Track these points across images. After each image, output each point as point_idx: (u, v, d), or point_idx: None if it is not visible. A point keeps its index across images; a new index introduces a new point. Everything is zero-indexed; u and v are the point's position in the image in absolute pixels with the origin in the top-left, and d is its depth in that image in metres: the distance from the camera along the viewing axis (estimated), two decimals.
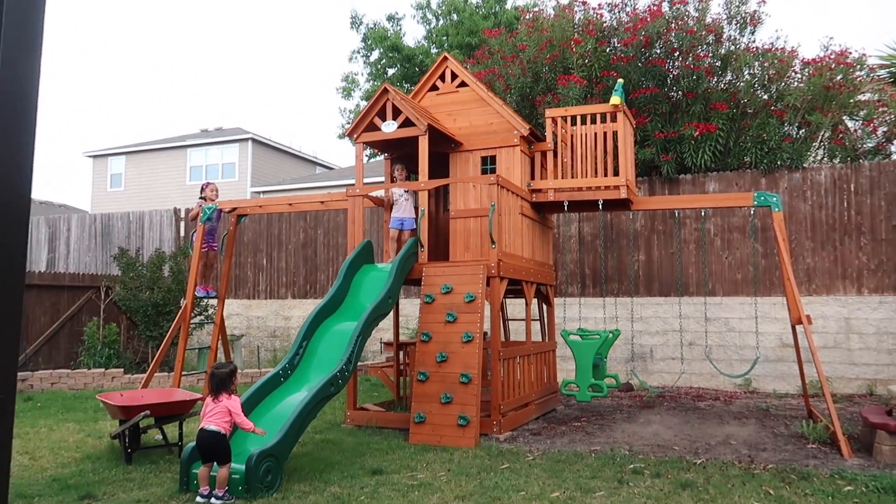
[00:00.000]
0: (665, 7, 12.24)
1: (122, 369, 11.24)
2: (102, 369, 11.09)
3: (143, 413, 5.88)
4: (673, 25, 11.92)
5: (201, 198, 8.96)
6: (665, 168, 11.11)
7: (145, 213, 15.49)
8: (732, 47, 11.99)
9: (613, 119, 8.20)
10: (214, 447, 4.79)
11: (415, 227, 7.99)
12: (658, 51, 12.00)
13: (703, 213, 10.41)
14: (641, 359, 10.92)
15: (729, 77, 12.06)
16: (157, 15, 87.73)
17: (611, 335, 7.69)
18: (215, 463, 4.80)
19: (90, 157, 30.51)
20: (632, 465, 5.64)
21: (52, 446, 6.51)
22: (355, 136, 8.02)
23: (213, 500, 4.69)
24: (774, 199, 7.66)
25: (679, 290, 10.71)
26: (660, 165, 11.27)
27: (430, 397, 6.75)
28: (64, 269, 15.77)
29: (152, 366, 8.02)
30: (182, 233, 14.80)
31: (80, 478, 5.36)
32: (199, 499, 4.73)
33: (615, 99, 8.11)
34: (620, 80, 8.48)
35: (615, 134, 8.23)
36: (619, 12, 12.81)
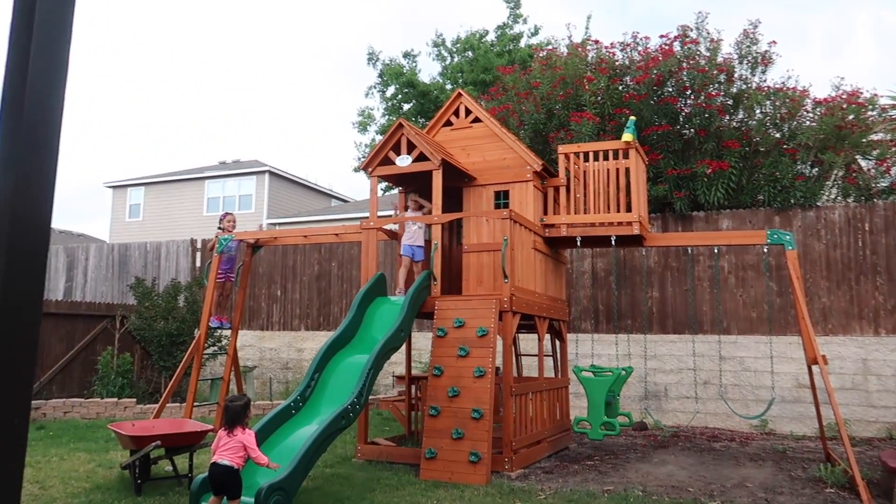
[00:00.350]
0: (676, 46, 12.40)
1: (134, 399, 11.27)
2: (115, 399, 11.12)
3: (153, 443, 5.89)
4: (684, 64, 12.06)
5: (220, 228, 9.05)
6: (678, 205, 11.13)
7: (162, 243, 15.68)
8: (744, 86, 12.09)
9: (626, 156, 8.26)
10: (227, 482, 4.77)
11: (424, 258, 8.05)
12: (670, 89, 12.12)
13: (716, 251, 10.39)
14: (655, 397, 10.80)
15: (741, 115, 12.14)
16: (176, 49, 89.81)
17: (623, 372, 7.63)
18: (225, 497, 4.77)
19: (110, 187, 31.02)
20: None
21: (62, 476, 6.52)
22: (370, 169, 8.13)
23: None
24: (788, 237, 7.64)
25: (693, 328, 10.63)
26: (673, 202, 11.29)
27: (441, 432, 6.70)
28: (81, 297, 15.92)
29: (164, 396, 8.04)
30: (198, 263, 14.94)
31: None
32: None
33: (627, 136, 8.19)
34: (633, 118, 8.57)
35: (628, 170, 8.28)
36: (631, 51, 12.99)
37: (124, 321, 12.76)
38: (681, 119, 12.05)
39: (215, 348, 12.03)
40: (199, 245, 15.20)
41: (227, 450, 4.80)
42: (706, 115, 11.49)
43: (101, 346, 12.46)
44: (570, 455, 8.12)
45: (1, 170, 1.76)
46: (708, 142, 11.42)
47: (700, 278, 10.90)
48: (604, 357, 10.84)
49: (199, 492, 5.03)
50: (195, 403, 8.45)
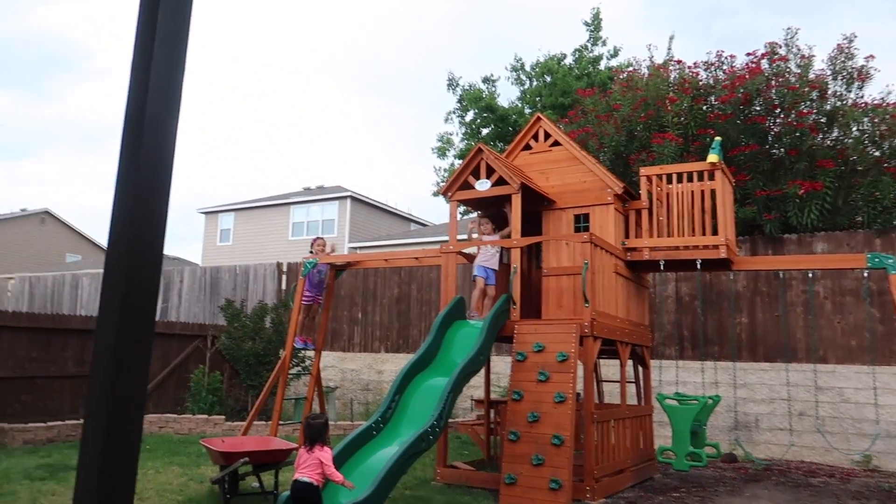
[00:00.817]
0: (764, 64, 12.00)
1: (224, 416, 11.71)
2: (206, 415, 11.59)
3: (242, 460, 6.11)
4: (773, 82, 11.64)
5: (311, 252, 9.32)
6: (768, 227, 10.69)
7: (250, 266, 16.34)
8: (839, 103, 11.54)
9: (711, 177, 8.03)
10: (308, 499, 4.89)
11: (496, 282, 8.06)
12: (758, 108, 11.71)
13: (810, 275, 9.88)
14: (746, 428, 10.30)
15: (836, 133, 11.57)
16: (264, 83, 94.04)
17: (710, 401, 7.34)
18: None
19: (203, 213, 32.66)
20: None
21: (157, 488, 6.84)
22: (450, 194, 8.24)
23: None
24: (891, 260, 7.20)
25: (786, 356, 10.11)
26: (762, 224, 10.85)
27: (521, 458, 6.63)
28: (176, 318, 16.77)
29: (251, 414, 8.32)
30: (284, 285, 15.47)
31: None
32: None
33: (713, 157, 7.97)
34: (718, 138, 8.34)
35: (713, 192, 8.04)
36: (715, 70, 12.66)
37: (215, 341, 13.34)
38: (770, 138, 11.61)
39: (299, 368, 12.38)
40: (284, 268, 15.75)
41: (306, 467, 4.94)
42: (797, 134, 11.03)
43: (193, 364, 13.05)
44: (654, 486, 7.85)
45: (120, 198, 1.92)
46: (799, 161, 10.94)
47: (793, 304, 10.38)
48: (689, 385, 10.46)
49: None
50: (280, 422, 8.70)
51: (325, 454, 5.03)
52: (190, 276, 17.22)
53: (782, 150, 11.33)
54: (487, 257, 8.22)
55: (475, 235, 8.53)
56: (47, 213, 40.23)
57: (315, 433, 5.08)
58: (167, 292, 17.44)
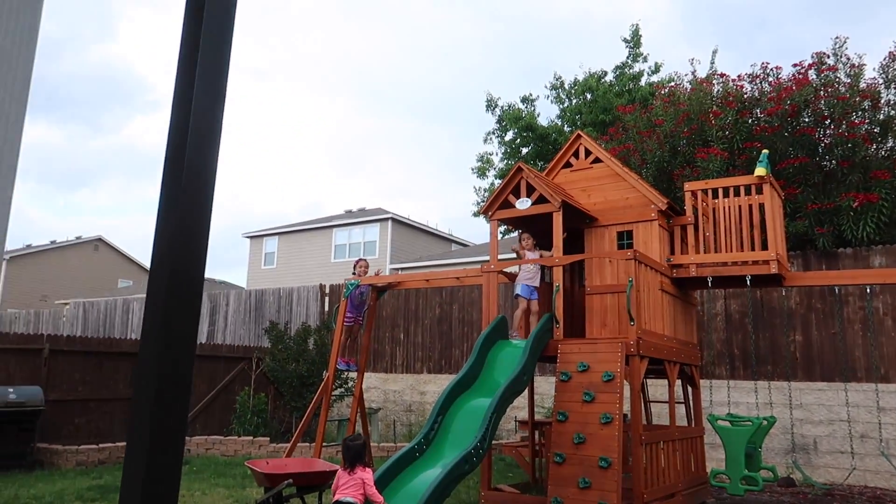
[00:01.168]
0: (812, 75, 11.70)
1: (268, 438, 11.79)
2: (251, 437, 11.69)
3: (286, 482, 6.10)
4: (822, 93, 11.33)
5: (353, 273, 9.32)
6: (821, 241, 10.33)
7: (294, 288, 16.53)
8: (893, 112, 11.16)
9: (759, 191, 7.81)
10: None
11: (539, 298, 7.96)
12: (806, 119, 11.41)
13: (868, 290, 9.48)
14: (803, 451, 9.88)
15: (891, 143, 11.18)
16: (301, 108, 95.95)
17: (765, 422, 7.06)
18: None
19: (247, 237, 33.31)
20: None
21: None
22: (490, 213, 8.20)
23: None
24: None
25: (845, 376, 9.70)
26: (814, 239, 10.50)
27: (567, 481, 6.47)
28: (222, 340, 17.05)
29: (295, 436, 8.34)
30: (326, 307, 15.59)
31: None
32: None
33: (760, 170, 7.76)
34: (765, 151, 8.12)
35: (761, 206, 7.81)
36: (760, 83, 12.41)
37: (260, 363, 13.49)
38: (820, 150, 11.28)
39: (342, 390, 12.41)
40: (327, 290, 15.89)
41: (348, 488, 4.91)
42: (849, 145, 10.68)
43: (238, 386, 13.21)
44: None
45: (162, 225, 1.93)
46: (853, 173, 10.58)
47: (850, 321, 9.97)
48: (742, 405, 10.11)
49: None
50: (324, 444, 8.70)
51: (367, 475, 5.01)
52: (235, 300, 17.51)
53: (833, 161, 10.99)
54: (530, 275, 8.12)
55: (529, 255, 8.43)
56: (100, 240, 41.61)
57: (354, 455, 5.07)
58: (213, 315, 17.75)
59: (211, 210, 2.02)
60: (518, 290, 8.10)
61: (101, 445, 10.26)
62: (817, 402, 9.95)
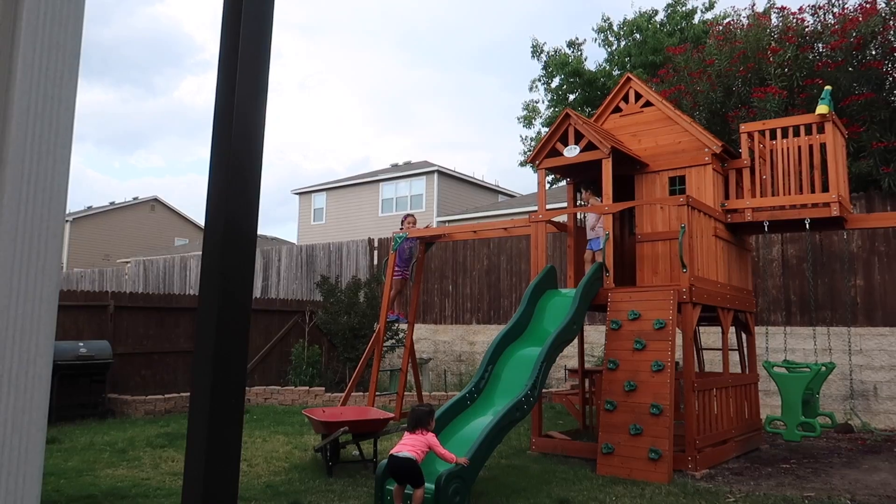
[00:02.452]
0: (881, 3, 10.98)
1: (323, 388, 12.16)
2: (307, 387, 12.07)
3: (342, 429, 6.30)
4: (891, 23, 10.64)
5: (401, 228, 9.35)
6: (886, 181, 9.86)
7: (343, 243, 16.75)
8: None
9: (820, 130, 7.47)
10: (408, 472, 4.96)
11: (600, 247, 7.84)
12: (874, 52, 10.77)
13: None
14: (863, 397, 9.66)
15: None
16: (348, 65, 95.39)
17: (823, 368, 6.91)
18: (409, 485, 4.98)
19: (297, 193, 33.75)
20: None
21: (265, 455, 7.19)
22: (537, 162, 8.08)
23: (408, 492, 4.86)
24: None
25: None
26: (879, 179, 10.03)
27: (618, 428, 6.50)
28: (275, 294, 17.49)
29: (349, 385, 8.57)
30: (375, 261, 15.78)
31: (289, 486, 5.85)
32: None
33: (822, 108, 7.40)
34: (828, 88, 7.73)
35: (822, 146, 7.48)
36: (824, 14, 11.73)
37: (312, 316, 13.81)
38: (887, 84, 10.66)
39: (393, 341, 12.64)
40: (375, 244, 16.05)
41: (407, 444, 5.02)
42: None
43: (293, 338, 13.59)
44: (761, 457, 7.51)
45: (214, 179, 1.96)
46: None
47: None
48: (798, 352, 9.90)
49: (383, 476, 5.29)
50: (377, 393, 8.92)
51: (433, 438, 5.13)
52: (287, 255, 17.87)
53: None
54: (593, 227, 8.02)
55: (590, 225, 8.28)
56: (157, 200, 42.80)
57: (417, 419, 5.16)
58: (266, 271, 18.18)
59: (260, 166, 2.03)
60: (592, 246, 7.98)
61: (166, 396, 10.76)
62: (878, 348, 9.67)
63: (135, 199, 42.45)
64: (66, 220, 39.02)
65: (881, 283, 9.79)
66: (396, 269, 9.02)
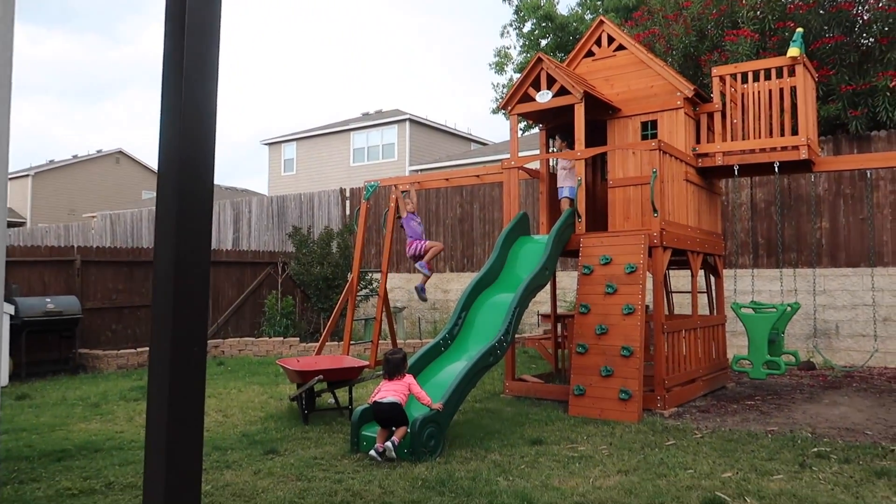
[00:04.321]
0: None
1: (297, 338, 12.17)
2: (281, 338, 12.07)
3: (317, 377, 6.33)
4: None
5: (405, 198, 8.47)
6: (853, 124, 9.95)
7: (314, 193, 16.55)
8: None
9: (791, 73, 7.46)
10: (395, 416, 5.07)
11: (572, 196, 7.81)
12: None
13: None
14: (825, 335, 9.96)
15: None
16: (316, 10, 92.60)
17: (789, 308, 7.07)
18: (392, 427, 5.06)
19: (266, 144, 33.11)
20: (815, 449, 5.17)
21: (241, 406, 7.21)
22: (509, 107, 7.97)
23: (388, 443, 4.97)
24: None
25: (871, 261, 9.60)
26: (847, 122, 10.11)
27: (589, 370, 6.62)
28: (246, 246, 17.31)
29: (324, 335, 8.57)
30: (347, 211, 15.65)
31: (265, 434, 5.89)
32: (372, 452, 5.01)
33: (793, 50, 7.37)
34: (799, 30, 7.68)
35: (793, 89, 7.48)
36: None
37: (285, 267, 13.72)
38: (857, 27, 10.65)
39: (367, 290, 12.64)
40: (347, 194, 15.88)
41: (390, 390, 5.14)
42: (890, 21, 10.06)
43: (266, 290, 13.52)
44: (727, 395, 7.74)
45: (167, 126, 1.87)
46: (891, 51, 10.03)
47: (880, 206, 9.76)
48: (765, 293, 10.13)
49: (359, 422, 5.35)
50: (351, 342, 8.95)
51: (411, 379, 5.35)
52: (258, 206, 17.62)
53: (871, 39, 10.40)
54: (565, 176, 7.94)
55: (563, 169, 8.10)
56: (121, 153, 41.69)
57: (394, 367, 5.32)
58: (238, 223, 17.94)
59: (215, 113, 1.94)
60: (566, 193, 7.87)
61: (138, 350, 10.68)
62: (841, 288, 9.93)
63: (98, 151, 41.31)
64: (28, 175, 37.89)
65: (845, 226, 9.99)
66: (411, 245, 8.25)
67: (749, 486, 4.29)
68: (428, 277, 8.14)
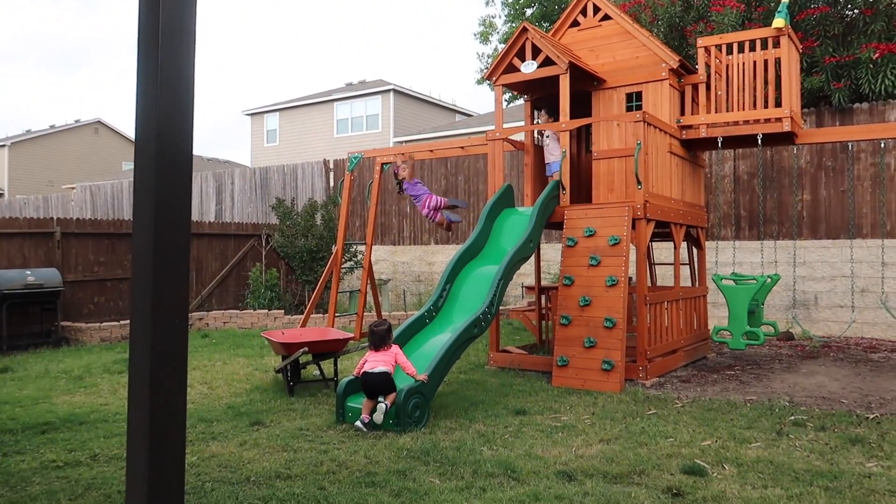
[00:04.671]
0: None
1: (282, 310, 12.16)
2: (266, 310, 12.06)
3: (301, 349, 6.34)
4: None
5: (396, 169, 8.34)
6: (836, 97, 9.99)
7: (298, 165, 16.40)
8: None
9: (776, 44, 7.45)
10: (384, 385, 5.12)
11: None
12: None
13: (882, 146, 9.28)
14: (804, 306, 10.12)
15: None
16: None
17: (769, 280, 7.17)
18: (381, 395, 5.10)
19: (248, 114, 32.66)
20: (792, 417, 5.29)
21: (226, 378, 7.22)
22: (494, 78, 7.91)
23: (381, 405, 5.02)
24: None
25: (851, 233, 9.72)
26: (830, 94, 10.15)
27: (572, 341, 6.69)
28: (230, 218, 17.17)
29: (308, 307, 8.57)
30: (331, 182, 15.54)
31: (251, 406, 5.91)
32: (357, 423, 5.06)
33: (779, 21, 7.35)
34: (785, 1, 7.65)
35: (777, 61, 7.49)
36: None
37: (269, 239, 13.65)
38: None
39: (352, 263, 12.62)
40: (331, 165, 15.75)
41: (378, 361, 5.18)
42: None
43: (250, 262, 13.45)
44: (708, 365, 7.87)
45: (143, 93, 1.83)
46: (876, 22, 10.03)
47: (860, 178, 9.85)
48: (746, 265, 10.25)
49: (344, 393, 5.38)
50: (336, 314, 8.95)
51: (399, 350, 5.39)
52: (241, 178, 17.44)
53: (856, 10, 10.39)
54: (552, 150, 7.91)
55: (547, 137, 8.05)
56: (100, 123, 40.95)
57: (380, 338, 5.32)
58: (220, 194, 17.77)
59: (193, 79, 1.90)
60: (555, 168, 7.82)
61: (122, 322, 10.63)
62: (820, 260, 10.06)
63: (76, 122, 40.55)
64: (4, 145, 37.16)
65: (826, 198, 10.09)
66: (425, 210, 8.01)
67: (727, 453, 4.38)
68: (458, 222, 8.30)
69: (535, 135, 8.48)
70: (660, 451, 4.44)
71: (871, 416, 5.32)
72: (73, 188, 26.19)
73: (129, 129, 43.43)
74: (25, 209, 22.99)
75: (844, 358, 8.14)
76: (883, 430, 4.93)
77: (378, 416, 4.99)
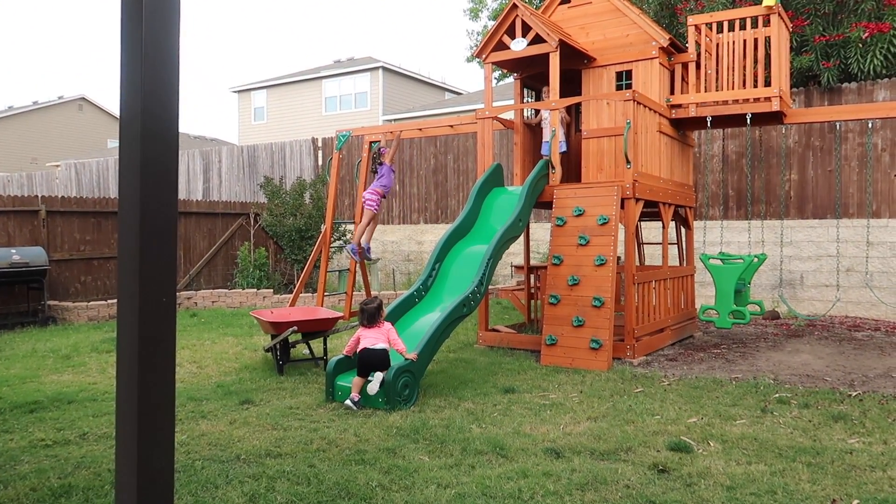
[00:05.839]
0: None
1: (271, 290, 12.13)
2: (255, 289, 12.02)
3: (291, 329, 6.33)
4: None
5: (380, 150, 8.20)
6: (825, 76, 10.00)
7: (286, 143, 16.26)
8: None
9: (766, 23, 7.43)
10: (383, 362, 5.15)
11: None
12: None
13: (870, 126, 9.31)
14: (790, 285, 10.22)
15: None
16: None
17: (756, 259, 7.22)
18: (375, 371, 5.12)
19: (235, 92, 32.28)
20: (777, 395, 5.36)
21: (215, 357, 7.21)
22: (484, 56, 7.85)
23: (378, 375, 5.05)
24: None
25: (837, 212, 9.79)
26: (819, 74, 10.16)
27: (561, 320, 6.73)
28: (217, 197, 17.04)
29: (297, 286, 8.55)
30: (320, 161, 15.44)
31: (240, 385, 5.91)
32: (347, 402, 5.08)
33: (769, 0, 7.32)
34: None
35: (767, 40, 7.47)
36: None
37: (257, 218, 13.57)
38: None
39: (341, 242, 12.58)
40: (319, 144, 15.64)
41: (374, 338, 5.24)
42: None
43: (238, 241, 13.39)
44: (695, 343, 7.95)
45: (127, 68, 1.80)
46: (866, 1, 10.01)
47: (847, 158, 9.91)
48: (733, 245, 10.31)
49: (334, 372, 5.39)
50: (325, 293, 8.94)
51: (391, 326, 5.43)
52: (228, 156, 17.29)
53: None
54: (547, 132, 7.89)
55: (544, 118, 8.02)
56: (84, 99, 40.33)
57: (370, 316, 5.34)
58: (207, 173, 17.62)
59: (178, 52, 1.87)
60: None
61: (109, 301, 10.57)
62: (807, 239, 10.14)
63: (60, 98, 39.92)
64: None
65: (814, 178, 10.14)
66: (371, 198, 7.91)
67: (713, 430, 4.44)
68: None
69: (529, 114, 8.44)
70: (646, 429, 4.50)
71: (854, 394, 5.40)
72: (57, 166, 25.87)
73: (114, 106, 42.87)
74: (9, 187, 22.71)
75: (829, 336, 8.25)
76: (865, 407, 5.01)
77: (374, 386, 5.02)
